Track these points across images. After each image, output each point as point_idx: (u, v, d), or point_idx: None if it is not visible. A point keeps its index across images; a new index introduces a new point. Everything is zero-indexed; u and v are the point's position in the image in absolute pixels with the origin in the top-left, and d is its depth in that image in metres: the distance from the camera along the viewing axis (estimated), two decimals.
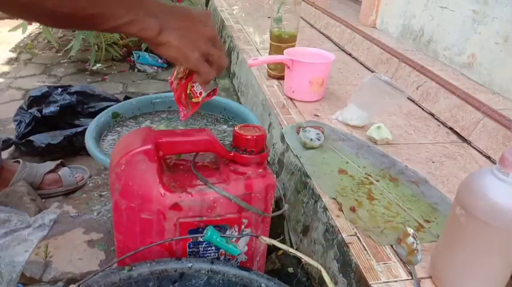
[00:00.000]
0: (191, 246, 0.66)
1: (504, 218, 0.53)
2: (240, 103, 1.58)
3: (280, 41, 1.35)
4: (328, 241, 0.79)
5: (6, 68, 1.98)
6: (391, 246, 0.72)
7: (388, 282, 0.65)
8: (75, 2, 0.49)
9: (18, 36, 2.37)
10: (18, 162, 1.09)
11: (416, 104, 1.29)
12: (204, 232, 0.61)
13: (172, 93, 0.76)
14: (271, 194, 0.67)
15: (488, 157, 1.02)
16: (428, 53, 1.45)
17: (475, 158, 1.02)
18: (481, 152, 1.04)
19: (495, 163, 0.73)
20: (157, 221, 0.62)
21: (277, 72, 1.40)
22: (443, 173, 0.94)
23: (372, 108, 1.10)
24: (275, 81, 1.39)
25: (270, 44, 1.39)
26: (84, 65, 2.03)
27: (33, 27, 2.58)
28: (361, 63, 1.62)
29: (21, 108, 1.31)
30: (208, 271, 0.60)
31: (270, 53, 1.42)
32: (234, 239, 0.65)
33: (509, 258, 0.57)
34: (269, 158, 0.69)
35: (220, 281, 0.61)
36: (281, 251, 0.95)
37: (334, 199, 0.83)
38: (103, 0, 0.51)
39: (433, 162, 0.98)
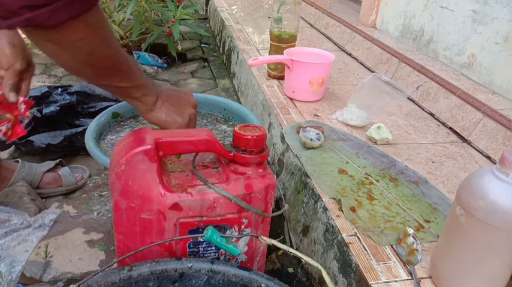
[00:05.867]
0: (191, 246, 0.66)
1: (504, 218, 0.53)
2: (240, 103, 1.58)
3: (280, 41, 1.35)
4: (328, 241, 0.79)
5: None
6: (391, 246, 0.72)
7: (388, 282, 0.65)
8: (116, 60, 0.60)
9: None
10: (18, 162, 1.09)
11: (416, 104, 1.29)
12: (204, 232, 0.61)
13: None
14: (271, 194, 0.67)
15: (488, 157, 1.02)
16: (428, 53, 1.45)
17: (475, 158, 1.02)
18: (481, 152, 1.04)
19: (495, 163, 0.73)
20: (157, 221, 0.62)
21: (277, 72, 1.40)
22: (443, 173, 0.94)
23: (372, 108, 1.10)
24: (275, 81, 1.39)
25: (270, 44, 1.39)
26: None
27: None
28: (361, 63, 1.62)
29: None
30: (208, 271, 0.60)
31: (270, 53, 1.42)
32: (234, 239, 0.66)
33: (509, 258, 0.57)
34: (269, 158, 0.69)
35: (221, 281, 0.61)
36: (281, 251, 0.95)
37: (334, 199, 0.83)
38: (130, 65, 0.63)
39: (433, 162, 0.98)
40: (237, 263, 0.70)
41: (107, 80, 0.62)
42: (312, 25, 2.15)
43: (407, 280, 0.66)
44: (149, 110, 0.69)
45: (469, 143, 1.08)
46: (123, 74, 0.62)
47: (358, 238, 0.74)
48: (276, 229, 1.03)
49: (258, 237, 0.64)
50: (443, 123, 1.18)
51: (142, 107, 0.68)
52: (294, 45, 1.36)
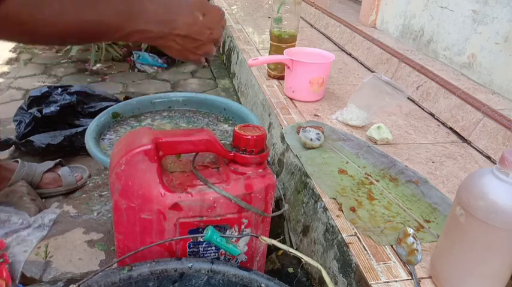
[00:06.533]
0: (191, 246, 0.66)
1: (504, 218, 0.53)
2: (240, 103, 1.58)
3: (280, 41, 1.35)
4: (328, 241, 0.79)
5: (6, 68, 1.98)
6: (391, 246, 0.72)
7: (388, 282, 0.65)
8: (80, 14, 0.52)
9: None
10: (17, 162, 1.09)
11: (416, 104, 1.29)
12: (204, 232, 0.61)
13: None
14: (271, 194, 0.67)
15: (488, 157, 1.02)
16: (428, 53, 1.45)
17: (475, 158, 1.02)
18: (481, 152, 1.04)
19: (495, 163, 0.73)
20: (158, 221, 0.62)
21: (277, 72, 1.40)
22: (443, 173, 0.94)
23: (372, 108, 1.10)
24: (275, 81, 1.39)
25: (270, 44, 1.39)
26: (84, 65, 2.03)
27: None
28: (361, 63, 1.62)
29: (21, 108, 1.31)
30: (208, 271, 0.60)
31: (270, 53, 1.42)
32: (234, 239, 0.66)
33: (509, 258, 0.57)
34: (269, 158, 0.69)
35: (220, 281, 0.61)
36: (281, 251, 0.95)
37: (334, 199, 0.83)
38: (105, 12, 0.54)
39: (433, 162, 0.98)
40: (237, 263, 0.70)
41: (84, 41, 0.59)
42: (312, 25, 2.15)
43: (407, 280, 0.66)
44: (159, 46, 0.65)
45: (469, 143, 1.08)
46: (98, 36, 0.56)
47: (358, 238, 0.74)
48: (276, 229, 1.03)
49: (258, 237, 0.64)
50: (443, 123, 1.18)
51: (150, 42, 0.63)
52: (294, 45, 1.36)
